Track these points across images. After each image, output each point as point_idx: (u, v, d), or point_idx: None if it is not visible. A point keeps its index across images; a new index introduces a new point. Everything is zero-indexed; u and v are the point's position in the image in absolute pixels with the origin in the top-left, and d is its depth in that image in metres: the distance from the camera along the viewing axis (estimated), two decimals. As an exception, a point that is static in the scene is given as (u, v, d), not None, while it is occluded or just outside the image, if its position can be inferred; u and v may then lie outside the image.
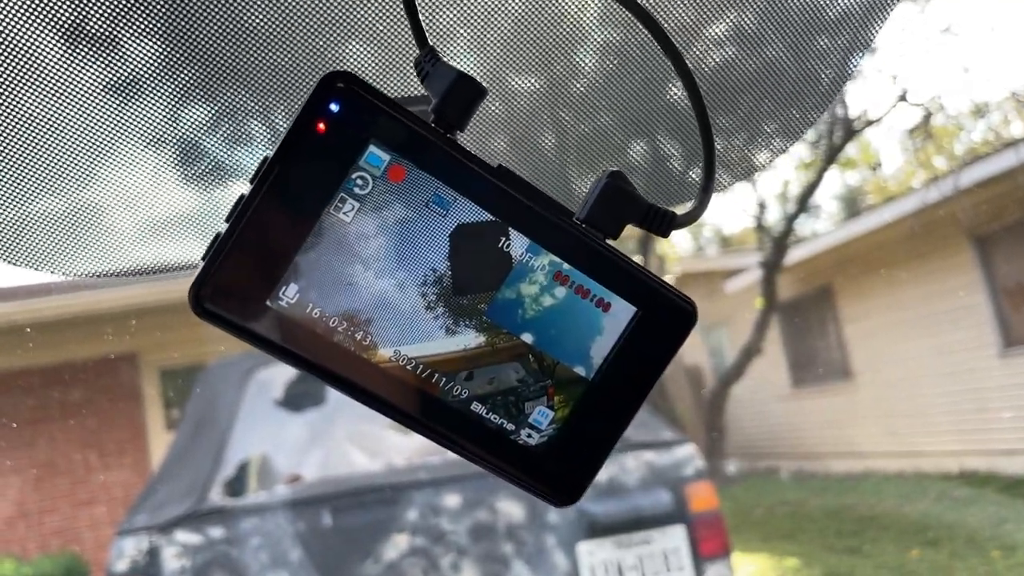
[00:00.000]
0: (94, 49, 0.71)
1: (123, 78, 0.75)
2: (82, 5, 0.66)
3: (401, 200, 0.38)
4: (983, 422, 7.07)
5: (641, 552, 2.83)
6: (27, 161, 0.77)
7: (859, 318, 8.73)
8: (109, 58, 0.72)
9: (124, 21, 0.69)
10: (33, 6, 0.64)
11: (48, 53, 0.69)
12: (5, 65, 0.68)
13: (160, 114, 0.81)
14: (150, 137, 0.82)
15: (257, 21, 0.73)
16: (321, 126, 0.37)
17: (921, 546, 4.99)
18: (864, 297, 8.62)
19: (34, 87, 0.71)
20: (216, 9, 0.69)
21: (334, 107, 0.37)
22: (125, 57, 0.73)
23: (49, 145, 0.76)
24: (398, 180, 0.38)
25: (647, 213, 0.44)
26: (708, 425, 8.53)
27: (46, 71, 0.70)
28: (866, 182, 11.83)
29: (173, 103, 0.81)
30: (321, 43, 0.77)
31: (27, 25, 0.66)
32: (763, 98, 0.90)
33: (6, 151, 0.75)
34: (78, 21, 0.67)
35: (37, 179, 0.79)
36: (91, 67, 0.72)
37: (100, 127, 0.76)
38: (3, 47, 0.67)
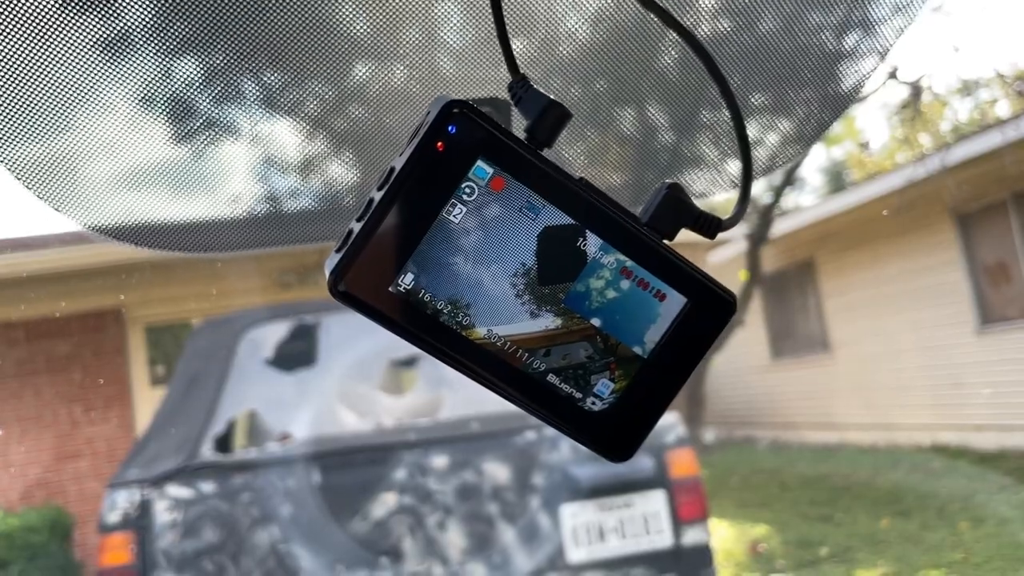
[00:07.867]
0: (88, 3, 0.73)
1: (115, 32, 0.77)
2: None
3: (500, 206, 0.46)
4: (957, 397, 7.20)
5: (622, 515, 2.90)
6: (15, 108, 0.78)
7: (839, 292, 8.83)
8: (102, 12, 0.74)
9: None
10: None
11: (41, 4, 0.70)
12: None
13: (152, 69, 0.83)
14: (141, 92, 0.84)
15: None
16: (440, 145, 0.44)
17: (892, 516, 5.11)
18: (845, 272, 8.71)
19: (27, 38, 0.72)
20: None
21: (451, 129, 0.44)
22: (118, 12, 0.75)
23: (38, 93, 0.78)
24: (498, 189, 0.46)
25: (698, 218, 0.52)
26: (688, 394, 8.63)
27: (38, 22, 0.71)
28: (850, 156, 11.88)
29: (165, 59, 0.83)
30: (312, 3, 0.80)
31: None
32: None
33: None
34: None
35: (26, 125, 0.81)
36: (84, 21, 0.74)
37: (91, 79, 0.78)
38: None
